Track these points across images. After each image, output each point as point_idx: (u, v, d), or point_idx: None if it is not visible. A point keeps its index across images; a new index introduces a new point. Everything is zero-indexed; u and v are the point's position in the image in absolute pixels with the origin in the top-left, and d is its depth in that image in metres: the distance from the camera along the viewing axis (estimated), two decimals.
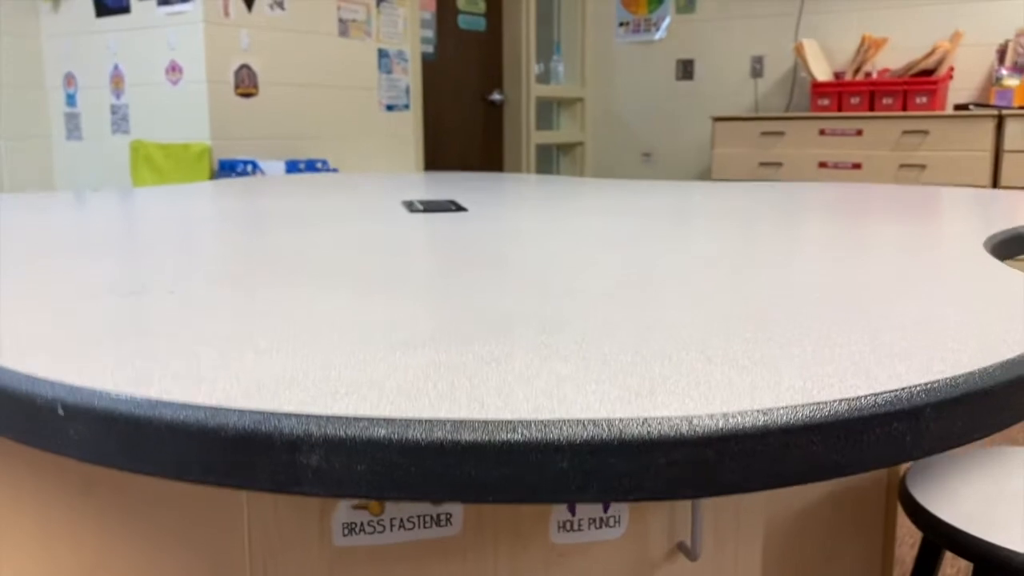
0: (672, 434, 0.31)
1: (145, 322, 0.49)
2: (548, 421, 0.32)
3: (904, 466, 1.07)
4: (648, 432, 0.31)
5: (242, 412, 0.33)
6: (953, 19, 3.90)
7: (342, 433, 0.32)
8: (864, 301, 0.54)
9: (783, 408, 0.33)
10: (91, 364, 0.40)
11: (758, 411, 0.33)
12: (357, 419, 0.32)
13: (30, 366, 0.39)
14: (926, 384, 0.36)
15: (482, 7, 4.36)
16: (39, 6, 3.34)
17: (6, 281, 0.62)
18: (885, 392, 0.35)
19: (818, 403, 0.34)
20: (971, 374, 0.37)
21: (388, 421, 0.32)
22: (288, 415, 0.33)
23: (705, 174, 4.63)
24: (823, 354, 0.41)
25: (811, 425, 0.33)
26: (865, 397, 0.34)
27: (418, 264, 0.70)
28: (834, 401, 0.34)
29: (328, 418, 0.32)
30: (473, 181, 1.73)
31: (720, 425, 0.32)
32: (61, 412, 0.36)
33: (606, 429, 0.31)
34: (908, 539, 1.91)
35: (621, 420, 0.32)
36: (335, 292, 0.58)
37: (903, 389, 0.35)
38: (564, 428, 0.31)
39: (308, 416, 0.33)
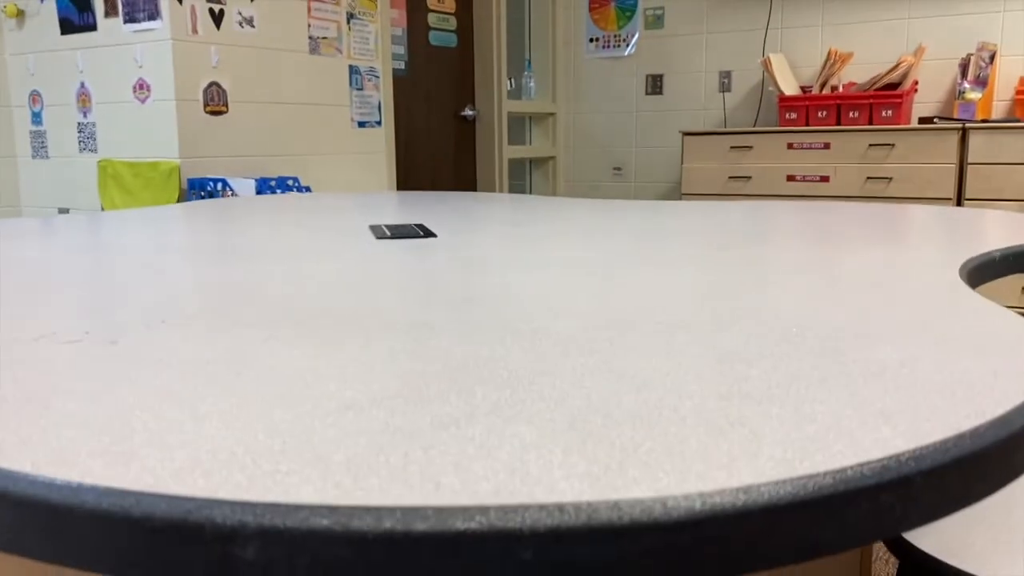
0: (645, 519, 0.29)
1: (79, 380, 0.45)
2: (509, 507, 0.29)
3: None
4: (619, 517, 0.29)
5: (172, 499, 0.30)
6: (917, 34, 3.95)
7: (280, 524, 0.29)
8: (840, 346, 0.52)
9: (764, 485, 0.31)
10: (11, 437, 0.37)
11: (737, 489, 0.30)
12: (298, 507, 0.29)
13: None
14: (915, 451, 0.34)
15: (453, 24, 4.34)
16: (3, 22, 3.27)
17: None
18: (872, 462, 0.33)
19: (801, 477, 0.31)
20: (961, 436, 0.35)
21: (332, 509, 0.29)
22: (222, 502, 0.30)
23: (675, 187, 4.65)
24: (802, 413, 0.39)
25: (795, 503, 0.30)
26: (851, 468, 0.32)
27: (380, 303, 0.67)
28: (818, 474, 0.31)
29: (266, 506, 0.29)
30: (444, 202, 1.70)
31: (697, 507, 0.29)
32: None
33: (573, 515, 0.28)
34: (883, 554, 1.90)
35: (590, 504, 0.29)
36: (288, 339, 0.55)
37: (891, 457, 0.33)
38: (527, 514, 0.29)
39: (244, 504, 0.30)
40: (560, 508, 0.29)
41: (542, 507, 0.29)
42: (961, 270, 0.83)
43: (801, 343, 0.52)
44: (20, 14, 3.21)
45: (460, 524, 0.28)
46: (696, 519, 0.29)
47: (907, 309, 0.62)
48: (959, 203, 3.50)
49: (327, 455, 0.34)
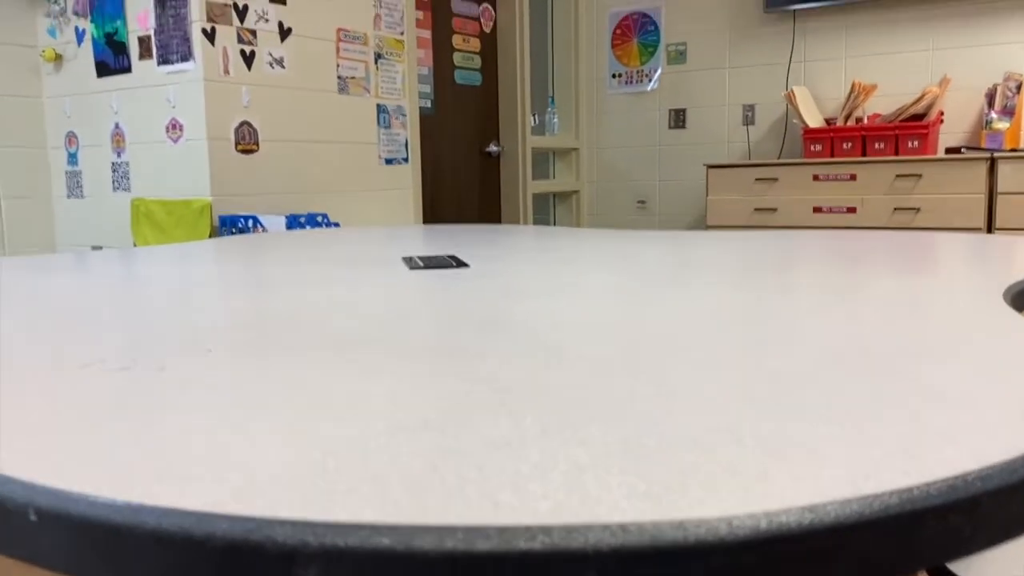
0: (711, 539, 0.28)
1: (132, 405, 0.46)
2: (572, 526, 0.29)
3: None
4: (684, 537, 0.28)
5: (233, 519, 0.30)
6: (941, 65, 3.94)
7: (342, 543, 0.28)
8: (893, 368, 0.51)
9: (830, 504, 0.30)
10: (69, 460, 0.37)
11: (803, 508, 0.30)
12: (358, 527, 0.29)
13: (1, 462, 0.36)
14: (981, 471, 0.33)
15: (478, 63, 4.41)
16: (41, 67, 3.36)
17: None
18: (938, 481, 0.32)
19: (867, 496, 0.31)
20: None
21: (393, 528, 0.29)
22: (283, 522, 0.30)
23: (700, 220, 4.64)
24: (862, 434, 0.38)
25: (861, 522, 0.30)
26: (917, 488, 0.31)
27: (420, 329, 0.67)
28: (885, 493, 0.31)
29: (327, 526, 0.29)
30: (472, 234, 1.71)
31: (763, 526, 0.29)
32: (34, 518, 0.32)
33: (638, 535, 0.28)
34: None
35: (654, 524, 0.29)
36: (333, 364, 0.55)
37: (958, 477, 0.32)
38: (591, 534, 0.28)
39: (305, 523, 0.29)
40: (624, 528, 0.28)
41: (605, 527, 0.29)
42: (1005, 294, 0.81)
43: (852, 366, 0.51)
44: (58, 58, 3.30)
45: (523, 544, 0.28)
46: (762, 538, 0.28)
47: (955, 332, 0.61)
48: (990, 232, 3.46)
49: (383, 475, 0.34)
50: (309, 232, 1.95)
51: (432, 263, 1.21)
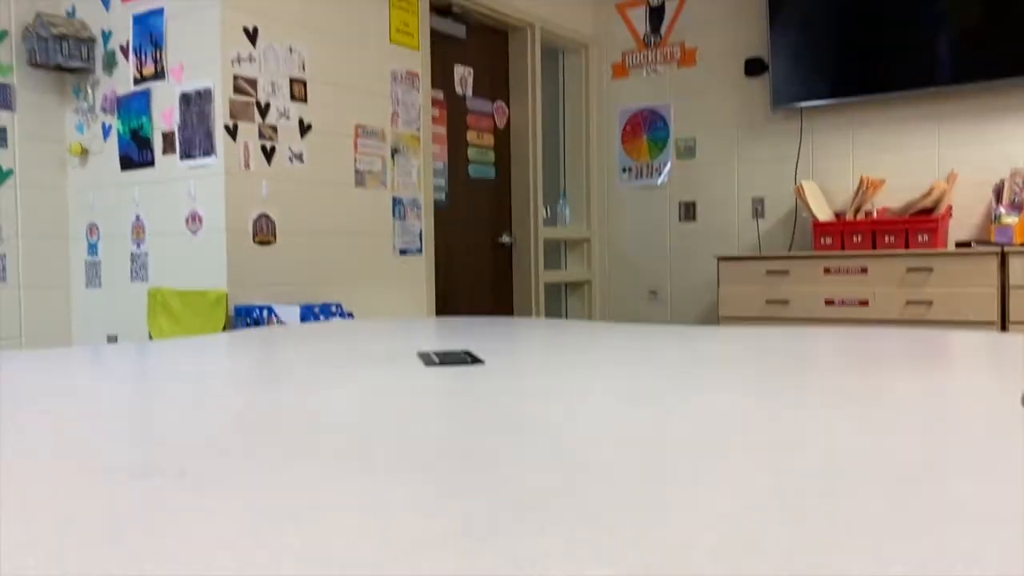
0: None
1: (153, 514, 0.46)
2: None
3: None
4: None
5: None
6: (948, 160, 4.01)
7: None
8: (912, 478, 0.51)
9: None
10: (91, 570, 0.37)
11: None
12: None
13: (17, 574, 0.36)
14: None
15: (491, 157, 4.52)
16: (67, 160, 3.47)
17: None
18: None
19: None
20: None
21: None
22: None
23: (711, 310, 4.65)
24: (884, 554, 0.38)
25: None
26: None
27: (438, 432, 0.67)
28: None
29: None
30: (485, 328, 1.73)
31: None
32: None
33: None
34: None
35: None
36: (352, 470, 0.55)
37: None
38: None
39: None
40: None
41: None
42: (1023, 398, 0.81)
43: (871, 476, 0.51)
44: (84, 152, 3.41)
45: None
46: None
47: (974, 440, 0.61)
48: (1003, 327, 3.45)
49: None
50: (323, 325, 1.97)
51: (448, 359, 1.22)
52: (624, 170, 4.95)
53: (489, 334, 1.60)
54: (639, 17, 4.86)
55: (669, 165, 4.78)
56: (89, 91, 3.38)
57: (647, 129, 4.85)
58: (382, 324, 1.95)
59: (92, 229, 3.40)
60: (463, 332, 1.66)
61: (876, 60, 4.01)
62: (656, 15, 4.80)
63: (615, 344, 1.39)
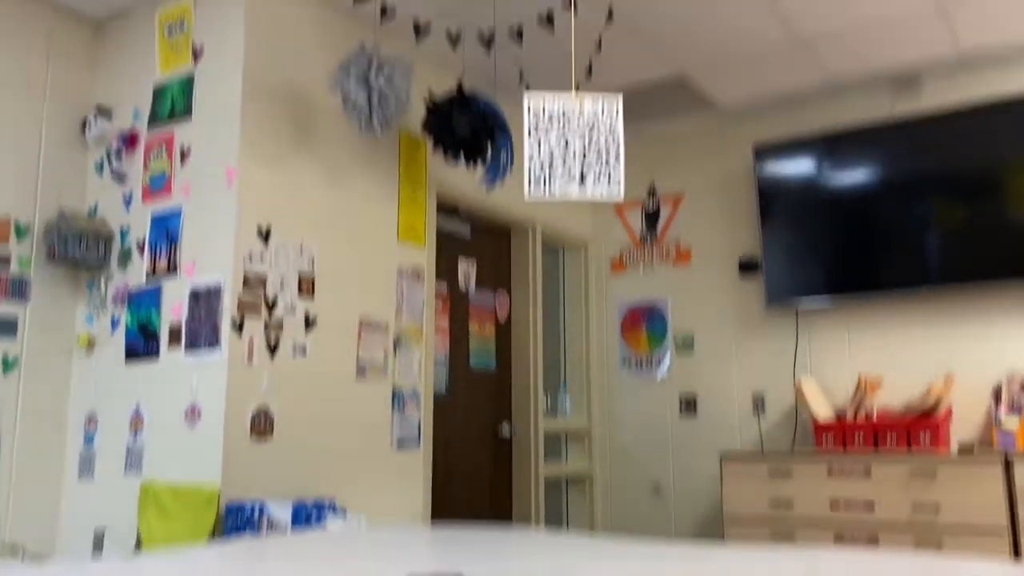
0: None
1: None
2: None
3: None
4: None
5: None
6: (945, 358, 4.05)
7: None
8: None
9: None
10: None
11: None
12: None
13: None
14: None
15: (492, 348, 4.58)
16: (74, 350, 3.51)
17: None
18: None
19: None
20: None
21: None
22: None
23: (716, 507, 4.53)
24: None
25: None
26: None
27: None
28: None
29: None
30: (480, 545, 1.68)
31: None
32: None
33: None
34: None
35: None
36: None
37: None
38: None
39: None
40: None
41: None
42: None
43: None
44: (91, 343, 3.46)
45: None
46: None
47: None
48: (1014, 534, 3.34)
49: None
50: (313, 537, 1.92)
51: None
52: (624, 361, 5.00)
53: (483, 551, 1.56)
54: (636, 217, 5.09)
55: (668, 358, 4.83)
56: (103, 285, 3.48)
57: (646, 322, 4.95)
58: (374, 537, 1.91)
59: (91, 420, 3.39)
60: (457, 548, 1.62)
61: (868, 260, 4.15)
62: (652, 217, 5.03)
63: (618, 570, 1.35)
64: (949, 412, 3.88)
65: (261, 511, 2.85)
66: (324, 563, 1.45)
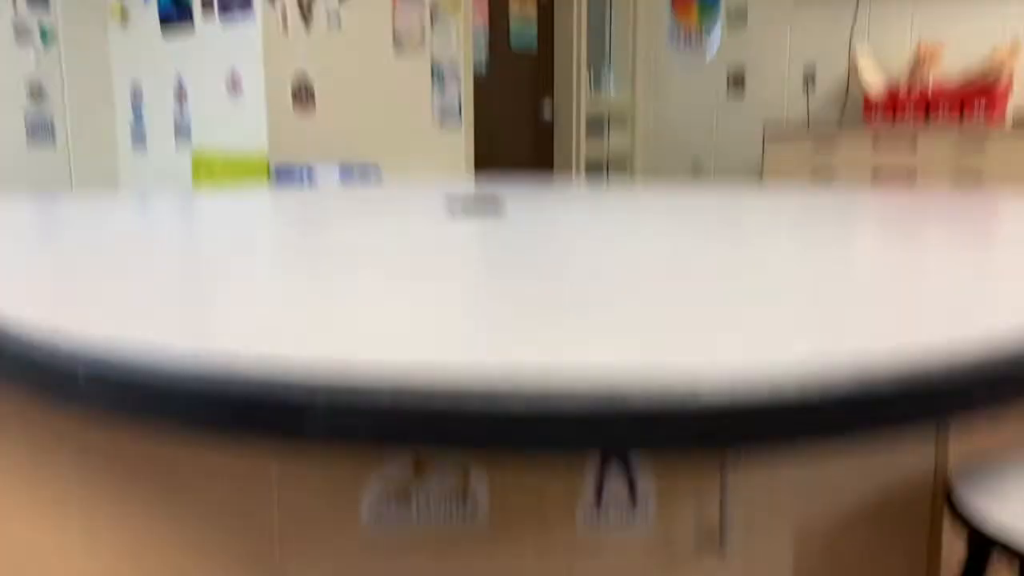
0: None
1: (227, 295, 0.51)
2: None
3: (952, 472, 1.04)
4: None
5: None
6: (1013, 23, 3.78)
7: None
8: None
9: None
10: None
11: None
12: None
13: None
14: None
15: (533, 27, 4.39)
16: (108, 23, 3.47)
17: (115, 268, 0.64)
18: None
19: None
20: None
21: None
22: None
23: (756, 185, 4.57)
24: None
25: None
26: None
27: (463, 254, 0.71)
28: None
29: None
30: (521, 184, 1.74)
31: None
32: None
33: None
34: (954, 556, 1.84)
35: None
36: (368, 279, 0.59)
37: None
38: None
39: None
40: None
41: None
42: None
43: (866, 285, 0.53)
44: (124, 15, 3.40)
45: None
46: None
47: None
48: None
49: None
50: (362, 190, 2.00)
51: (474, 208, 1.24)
52: (673, 36, 4.78)
53: (523, 189, 1.61)
54: None
55: (719, 33, 4.60)
56: None
57: None
58: (420, 184, 1.98)
59: (136, 94, 3.44)
60: (497, 187, 1.68)
61: None
62: None
63: (649, 205, 1.40)
64: (1010, 82, 3.70)
65: (309, 173, 2.96)
66: (371, 199, 1.53)
